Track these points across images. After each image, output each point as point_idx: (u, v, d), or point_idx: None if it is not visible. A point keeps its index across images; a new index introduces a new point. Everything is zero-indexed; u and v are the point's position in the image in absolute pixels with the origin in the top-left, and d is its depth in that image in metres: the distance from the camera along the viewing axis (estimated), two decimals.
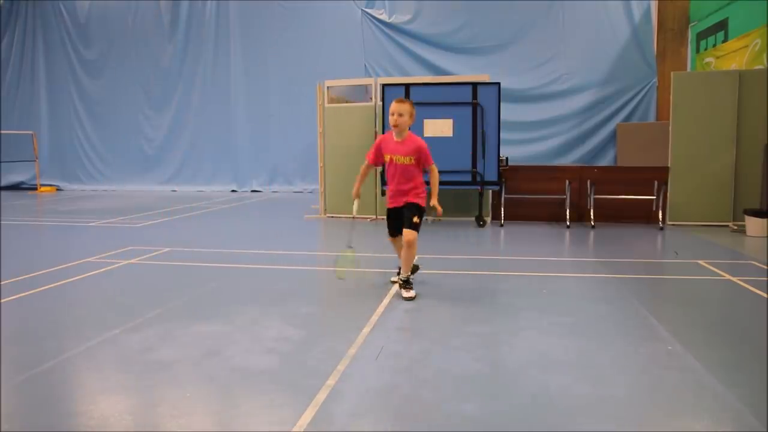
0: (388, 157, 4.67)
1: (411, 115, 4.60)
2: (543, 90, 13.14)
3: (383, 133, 9.61)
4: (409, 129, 4.70)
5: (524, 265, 5.92)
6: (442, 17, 13.54)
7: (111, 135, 16.29)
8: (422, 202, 4.71)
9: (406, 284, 4.68)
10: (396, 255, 5.03)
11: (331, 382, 2.97)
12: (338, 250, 4.03)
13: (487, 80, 8.64)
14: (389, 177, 4.73)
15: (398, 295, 4.65)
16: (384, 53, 13.89)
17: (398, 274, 4.90)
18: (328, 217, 9.53)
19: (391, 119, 4.57)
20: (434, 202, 4.61)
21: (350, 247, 4.77)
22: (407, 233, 4.58)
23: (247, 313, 4.21)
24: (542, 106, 13.10)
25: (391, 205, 4.78)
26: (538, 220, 8.88)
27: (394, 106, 4.58)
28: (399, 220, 4.73)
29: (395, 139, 4.65)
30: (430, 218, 8.80)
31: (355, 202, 4.78)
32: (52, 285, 5.06)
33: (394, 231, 4.86)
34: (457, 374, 3.07)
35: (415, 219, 4.61)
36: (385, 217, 4.96)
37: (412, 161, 4.61)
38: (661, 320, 3.98)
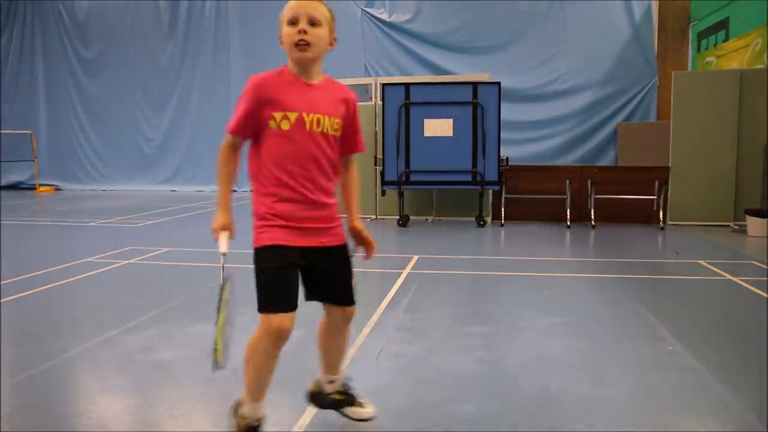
0: (292, 117, 2.18)
1: (332, 31, 2.30)
2: (543, 90, 13.14)
3: (382, 131, 9.55)
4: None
5: (524, 265, 5.91)
6: (442, 17, 13.54)
7: (110, 134, 16.26)
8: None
9: (345, 396, 2.52)
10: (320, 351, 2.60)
11: None
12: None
13: (487, 80, 8.64)
14: (283, 162, 2.25)
15: (401, 296, 4.61)
16: (384, 53, 13.88)
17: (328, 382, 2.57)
18: None
19: (291, 32, 2.17)
20: (361, 228, 2.41)
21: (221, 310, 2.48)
22: (351, 311, 2.41)
23: (247, 313, 4.19)
24: (542, 106, 13.09)
25: (295, 242, 2.34)
26: (539, 220, 8.87)
27: (295, 6, 2.17)
28: (313, 272, 2.36)
29: (302, 79, 2.27)
30: (430, 218, 8.78)
31: (223, 235, 2.49)
32: (51, 285, 5.05)
33: (306, 295, 2.44)
34: (457, 374, 3.07)
35: (354, 281, 2.41)
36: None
37: (339, 128, 2.33)
38: (662, 320, 3.97)
